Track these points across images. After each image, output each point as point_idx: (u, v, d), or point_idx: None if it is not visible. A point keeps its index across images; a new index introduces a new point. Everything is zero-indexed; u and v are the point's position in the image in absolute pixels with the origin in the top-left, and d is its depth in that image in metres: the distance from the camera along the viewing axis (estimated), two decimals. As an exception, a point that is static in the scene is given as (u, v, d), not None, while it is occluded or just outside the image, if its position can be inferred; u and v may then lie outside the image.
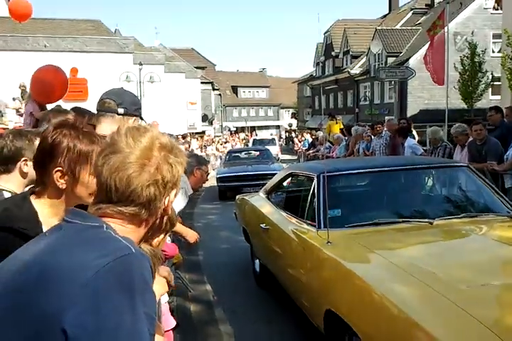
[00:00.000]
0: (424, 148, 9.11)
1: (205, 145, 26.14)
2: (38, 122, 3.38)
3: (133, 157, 1.14)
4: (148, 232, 1.25)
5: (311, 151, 17.47)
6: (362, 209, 4.07)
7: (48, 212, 1.64)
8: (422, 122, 19.99)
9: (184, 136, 21.35)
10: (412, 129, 9.94)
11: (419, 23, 31.27)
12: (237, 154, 17.29)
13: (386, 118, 18.46)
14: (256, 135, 41.54)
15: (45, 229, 1.55)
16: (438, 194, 4.67)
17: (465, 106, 21.48)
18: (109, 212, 1.16)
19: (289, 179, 5.62)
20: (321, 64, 42.99)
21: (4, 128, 7.24)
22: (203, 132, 36.57)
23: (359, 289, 2.73)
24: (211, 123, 43.07)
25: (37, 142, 1.82)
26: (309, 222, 3.86)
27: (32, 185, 1.80)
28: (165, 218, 1.27)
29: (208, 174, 4.51)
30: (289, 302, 4.35)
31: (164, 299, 2.95)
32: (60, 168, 1.61)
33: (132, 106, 2.58)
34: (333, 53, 39.32)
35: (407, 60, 25.98)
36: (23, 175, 2.08)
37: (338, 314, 2.82)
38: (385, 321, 2.43)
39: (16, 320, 1.03)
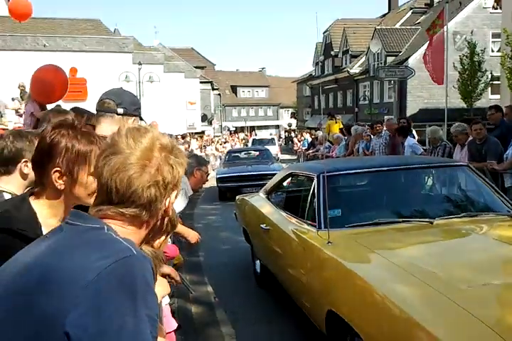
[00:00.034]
0: (424, 147, 9.12)
1: (204, 146, 26.09)
2: (39, 122, 3.37)
3: (133, 158, 1.13)
4: (149, 234, 1.24)
5: (310, 151, 17.43)
6: (362, 209, 4.07)
7: (46, 213, 1.63)
8: (422, 121, 20.05)
9: (184, 136, 21.31)
10: (412, 129, 9.94)
11: (419, 23, 31.27)
12: (236, 154, 17.25)
13: (385, 117, 18.47)
14: (255, 135, 41.47)
15: (44, 230, 1.55)
16: (438, 193, 4.67)
17: (464, 106, 21.51)
18: (110, 213, 1.15)
19: (289, 179, 5.61)
20: (320, 63, 42.98)
21: (4, 129, 7.21)
22: (203, 132, 36.53)
23: (360, 289, 2.72)
24: (210, 123, 43.01)
25: None
26: (309, 222, 3.85)
27: (31, 187, 1.79)
28: (166, 219, 1.27)
29: (208, 175, 4.50)
30: (289, 302, 4.35)
31: (165, 301, 2.95)
32: (58, 168, 1.60)
33: (132, 106, 2.57)
34: (332, 53, 39.32)
35: (407, 59, 26.00)
36: (24, 176, 2.06)
37: (339, 314, 2.82)
38: (387, 321, 2.43)
39: (17, 321, 1.03)
